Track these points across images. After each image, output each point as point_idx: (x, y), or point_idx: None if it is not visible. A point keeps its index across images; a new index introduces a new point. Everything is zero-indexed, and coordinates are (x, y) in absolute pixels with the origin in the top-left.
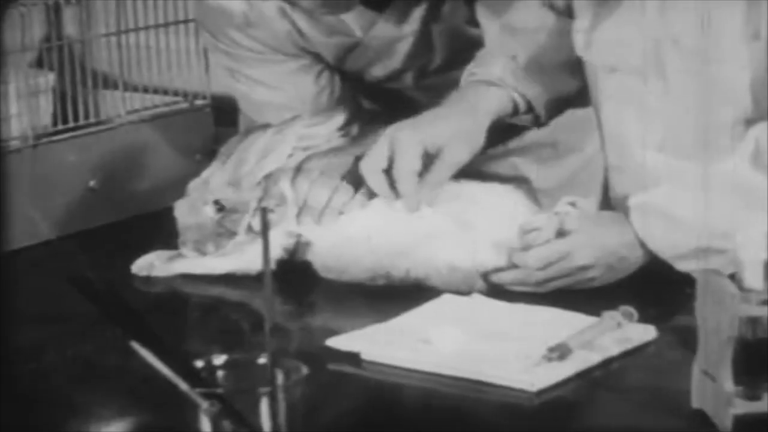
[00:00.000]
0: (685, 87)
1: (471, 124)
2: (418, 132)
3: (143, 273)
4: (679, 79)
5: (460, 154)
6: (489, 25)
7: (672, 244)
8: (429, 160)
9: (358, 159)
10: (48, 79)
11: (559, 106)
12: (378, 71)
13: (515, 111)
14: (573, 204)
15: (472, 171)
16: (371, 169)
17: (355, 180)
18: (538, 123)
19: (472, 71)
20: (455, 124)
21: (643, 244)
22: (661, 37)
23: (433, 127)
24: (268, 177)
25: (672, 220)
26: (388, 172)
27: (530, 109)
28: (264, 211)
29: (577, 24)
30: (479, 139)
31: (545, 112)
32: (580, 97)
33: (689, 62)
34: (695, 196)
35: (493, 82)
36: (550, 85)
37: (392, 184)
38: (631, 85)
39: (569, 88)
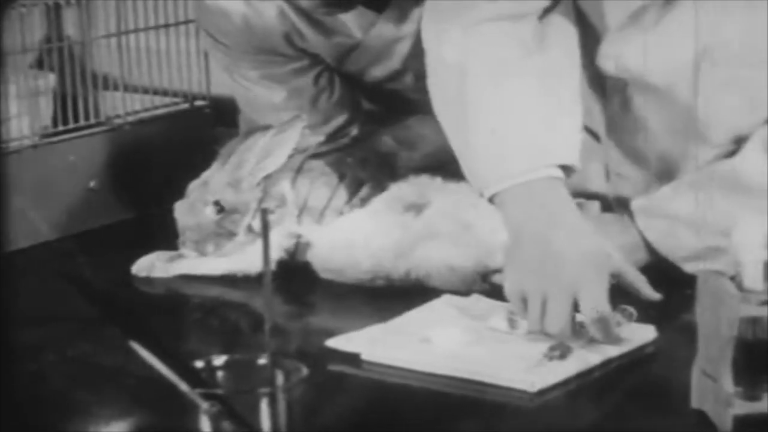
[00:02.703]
0: (718, 95)
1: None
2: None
3: (143, 274)
4: (713, 89)
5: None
6: None
7: (679, 246)
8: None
9: (357, 160)
10: (48, 80)
11: None
12: (378, 72)
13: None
14: (578, 206)
15: None
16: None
17: (355, 181)
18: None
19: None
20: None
21: (645, 246)
22: (697, 48)
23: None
24: (268, 178)
25: (678, 222)
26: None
27: None
28: (264, 212)
29: (606, 36)
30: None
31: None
32: None
33: (728, 69)
34: (700, 197)
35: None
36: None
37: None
38: (655, 98)
39: None
